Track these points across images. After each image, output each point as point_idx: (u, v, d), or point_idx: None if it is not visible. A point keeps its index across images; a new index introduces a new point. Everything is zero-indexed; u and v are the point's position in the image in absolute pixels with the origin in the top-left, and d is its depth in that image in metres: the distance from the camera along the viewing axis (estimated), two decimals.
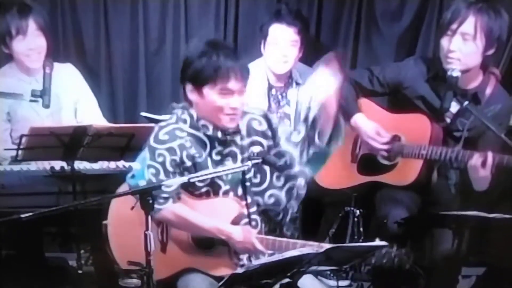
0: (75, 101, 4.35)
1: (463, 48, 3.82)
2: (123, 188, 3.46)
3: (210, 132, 3.31)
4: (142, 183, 3.26)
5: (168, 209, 3.27)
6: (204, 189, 3.33)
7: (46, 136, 3.61)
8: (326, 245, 3.12)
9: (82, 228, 3.87)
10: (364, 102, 4.19)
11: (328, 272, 4.49)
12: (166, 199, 3.25)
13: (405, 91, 4.04)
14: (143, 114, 4.54)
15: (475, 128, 3.92)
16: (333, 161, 3.93)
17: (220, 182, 3.32)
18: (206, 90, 3.23)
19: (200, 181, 3.24)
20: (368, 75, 4.16)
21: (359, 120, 4.10)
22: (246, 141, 3.37)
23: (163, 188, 3.11)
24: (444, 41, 3.87)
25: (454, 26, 3.82)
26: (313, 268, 3.02)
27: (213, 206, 3.32)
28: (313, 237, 4.49)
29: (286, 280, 3.01)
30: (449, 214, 3.61)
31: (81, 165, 3.88)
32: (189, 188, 3.32)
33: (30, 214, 2.74)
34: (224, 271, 3.24)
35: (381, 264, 3.19)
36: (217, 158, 3.32)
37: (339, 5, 5.18)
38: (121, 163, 3.94)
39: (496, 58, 4.01)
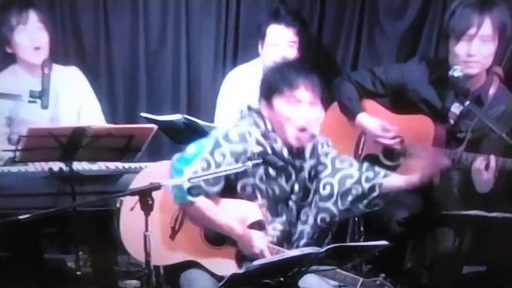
0: (79, 105, 4.34)
1: (483, 50, 3.79)
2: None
3: (277, 147, 3.32)
4: (187, 172, 3.23)
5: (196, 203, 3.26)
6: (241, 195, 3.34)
7: (45, 137, 3.59)
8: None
9: (81, 229, 3.86)
10: (367, 102, 4.17)
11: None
12: (198, 194, 3.24)
13: (408, 93, 4.03)
14: (143, 114, 4.52)
15: (479, 129, 3.89)
16: None
17: (258, 195, 3.33)
18: (275, 100, 3.29)
19: (242, 189, 3.28)
20: (371, 76, 4.15)
21: (363, 119, 4.09)
22: (308, 163, 3.41)
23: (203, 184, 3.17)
24: (461, 47, 3.80)
25: (472, 31, 3.77)
26: (314, 267, 3.01)
27: (235, 205, 3.32)
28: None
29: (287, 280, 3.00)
30: (450, 214, 3.61)
31: (79, 166, 3.86)
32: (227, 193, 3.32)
33: (28, 215, 2.73)
34: (227, 271, 3.21)
35: None
36: (272, 173, 3.34)
37: (341, 4, 5.17)
38: (121, 164, 3.92)
39: (498, 57, 3.97)
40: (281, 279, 2.98)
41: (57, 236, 4.62)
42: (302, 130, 3.29)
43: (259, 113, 3.37)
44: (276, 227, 3.37)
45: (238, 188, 3.32)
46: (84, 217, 3.62)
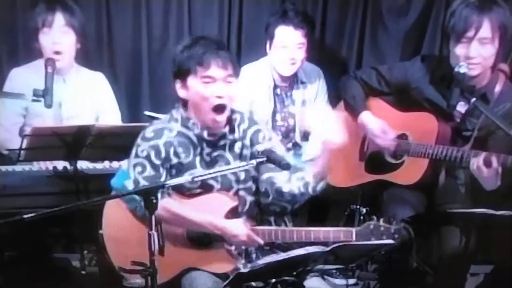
0: (98, 109, 4.34)
1: (482, 52, 3.74)
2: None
3: (198, 131, 3.33)
4: (129, 183, 3.27)
5: (160, 205, 3.24)
6: (197, 190, 3.34)
7: (49, 136, 3.59)
8: (320, 229, 3.18)
9: (86, 228, 3.85)
10: (373, 100, 4.17)
11: (334, 271, 4.47)
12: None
13: (412, 91, 4.01)
14: (147, 113, 4.52)
15: (485, 127, 3.87)
16: (341, 159, 3.93)
17: (213, 183, 3.34)
18: (190, 80, 3.29)
19: (192, 182, 3.22)
20: (376, 74, 4.14)
21: (365, 118, 4.08)
22: (248, 151, 3.41)
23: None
24: (460, 49, 3.76)
25: (470, 33, 3.72)
26: (320, 267, 3.00)
27: (204, 202, 3.32)
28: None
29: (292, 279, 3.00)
30: (456, 212, 3.59)
31: (84, 165, 3.86)
32: (180, 189, 3.33)
33: (33, 214, 2.72)
34: (225, 267, 3.24)
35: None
36: (207, 159, 3.35)
37: (344, 1, 5.17)
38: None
39: (503, 54, 3.94)
40: (287, 278, 2.98)
41: (62, 236, 4.62)
42: (218, 109, 3.29)
43: (177, 107, 3.40)
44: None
45: (193, 185, 3.32)
46: (89, 216, 3.61)
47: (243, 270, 2.94)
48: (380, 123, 4.05)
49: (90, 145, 3.68)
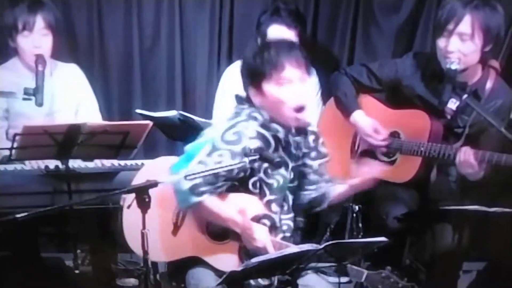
0: (77, 102, 4.32)
1: (462, 48, 3.75)
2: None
3: (281, 135, 3.30)
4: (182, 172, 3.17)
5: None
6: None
7: (40, 134, 3.57)
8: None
9: (79, 227, 3.84)
10: (363, 97, 4.16)
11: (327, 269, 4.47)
12: (203, 192, 3.18)
13: (404, 88, 4.02)
14: (138, 111, 4.51)
15: (477, 124, 3.89)
16: (332, 157, 3.91)
17: (266, 190, 3.32)
18: (265, 85, 3.24)
19: (253, 186, 3.26)
20: (366, 71, 4.14)
21: (358, 117, 4.08)
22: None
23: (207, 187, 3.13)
24: (441, 42, 3.80)
25: (450, 26, 3.75)
26: (313, 264, 3.00)
27: (236, 199, 3.29)
28: (311, 234, 4.48)
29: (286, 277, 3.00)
30: (449, 209, 3.60)
31: (75, 163, 3.84)
32: (235, 189, 3.30)
33: (26, 214, 2.71)
34: (229, 267, 3.19)
35: None
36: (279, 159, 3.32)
37: None
38: (117, 161, 3.91)
39: (495, 50, 3.95)
40: (280, 276, 2.98)
41: (55, 235, 4.61)
42: (300, 109, 3.26)
43: (252, 105, 3.31)
44: (286, 221, 3.37)
45: (250, 186, 3.29)
46: (81, 215, 3.60)
47: (236, 268, 2.93)
48: (372, 122, 4.05)
49: (81, 144, 3.66)
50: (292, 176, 3.37)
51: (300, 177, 3.43)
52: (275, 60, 3.20)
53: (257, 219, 3.28)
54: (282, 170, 3.32)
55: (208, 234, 3.33)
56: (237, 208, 3.25)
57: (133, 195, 2.91)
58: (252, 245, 3.22)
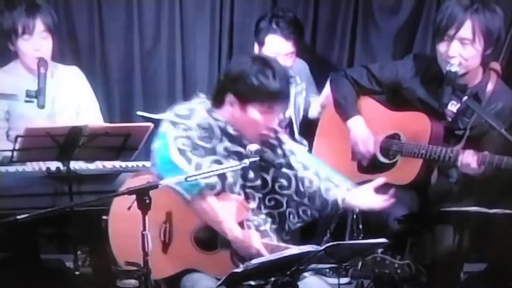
0: (78, 104, 4.33)
1: (463, 52, 3.74)
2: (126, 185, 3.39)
3: (222, 125, 3.30)
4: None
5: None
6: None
7: (42, 136, 3.57)
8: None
9: (79, 229, 3.84)
10: (364, 99, 4.16)
11: (328, 270, 4.47)
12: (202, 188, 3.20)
13: (404, 91, 4.01)
14: (139, 113, 4.52)
15: (477, 126, 3.88)
16: (333, 159, 3.93)
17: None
18: (251, 107, 3.23)
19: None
20: (367, 73, 4.13)
21: (354, 124, 4.08)
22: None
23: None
24: (442, 47, 3.79)
25: (451, 32, 3.73)
26: (313, 266, 3.00)
27: (223, 205, 3.27)
28: (312, 235, 4.48)
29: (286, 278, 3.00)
30: (449, 210, 3.59)
31: (77, 165, 3.85)
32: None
33: (26, 215, 2.71)
34: (226, 272, 3.19)
35: (383, 275, 3.18)
36: (224, 153, 3.29)
37: (335, 1, 5.18)
38: (118, 163, 3.91)
39: (495, 52, 3.95)
40: (281, 277, 2.98)
41: (55, 236, 4.61)
42: (264, 135, 3.31)
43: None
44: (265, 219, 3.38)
45: (237, 188, 3.31)
46: (82, 216, 3.61)
47: (236, 269, 2.93)
48: (365, 136, 4.06)
49: (83, 146, 3.67)
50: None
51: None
52: (275, 87, 3.19)
53: (242, 224, 3.28)
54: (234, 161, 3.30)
55: (197, 246, 3.32)
56: (226, 212, 3.26)
57: (133, 197, 2.91)
58: (247, 252, 3.21)
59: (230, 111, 3.28)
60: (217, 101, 3.32)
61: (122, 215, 3.29)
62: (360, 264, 3.22)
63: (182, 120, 3.25)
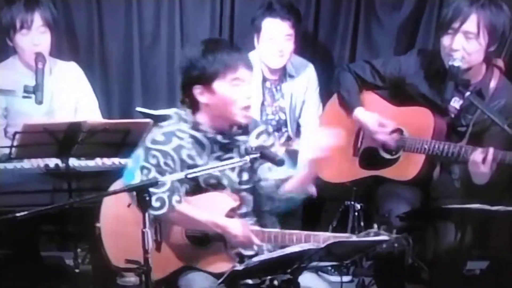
0: (76, 100, 4.32)
1: (466, 46, 3.73)
2: (116, 185, 3.39)
3: (210, 135, 3.29)
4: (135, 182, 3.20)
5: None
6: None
7: (40, 133, 3.56)
8: (320, 234, 3.18)
9: (79, 226, 3.84)
10: (366, 94, 4.14)
11: (329, 268, 4.47)
12: (163, 203, 3.19)
13: (407, 86, 3.99)
14: (138, 109, 4.51)
15: (480, 122, 3.86)
16: (334, 155, 3.89)
17: (225, 182, 3.32)
18: (217, 84, 3.21)
19: (206, 184, 3.26)
20: (370, 68, 4.12)
21: (360, 114, 4.06)
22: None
23: (156, 192, 3.12)
24: (446, 40, 3.78)
25: (456, 24, 3.73)
26: (314, 264, 2.98)
27: (206, 200, 3.29)
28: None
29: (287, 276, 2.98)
30: (451, 208, 3.57)
31: (76, 162, 3.83)
32: (193, 190, 3.30)
33: (26, 212, 2.69)
34: (223, 267, 3.21)
35: (381, 252, 3.15)
36: (218, 161, 3.29)
37: None
38: (117, 160, 3.89)
39: (498, 49, 3.93)
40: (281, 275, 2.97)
41: (55, 234, 4.61)
42: (247, 108, 3.27)
43: (185, 110, 3.33)
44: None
45: (202, 183, 3.29)
46: (81, 214, 3.59)
47: (237, 267, 2.91)
48: (376, 117, 4.02)
49: (81, 142, 3.66)
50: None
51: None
52: (229, 60, 3.20)
53: (231, 213, 3.28)
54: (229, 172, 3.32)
55: (190, 242, 3.31)
56: (210, 208, 3.26)
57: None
58: (237, 242, 3.23)
59: (205, 102, 3.26)
60: (189, 102, 3.30)
61: (113, 216, 3.30)
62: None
63: (156, 146, 3.24)
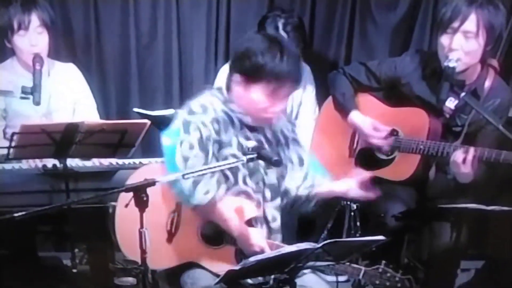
0: (74, 101, 4.32)
1: (465, 45, 3.74)
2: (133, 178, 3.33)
3: (239, 115, 3.23)
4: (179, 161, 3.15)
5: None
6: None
7: (38, 133, 3.56)
8: None
9: (77, 226, 3.83)
10: (361, 96, 4.16)
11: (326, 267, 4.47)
12: (210, 190, 3.16)
13: (403, 87, 4.01)
14: (136, 110, 4.50)
15: (475, 122, 3.88)
16: (330, 156, 3.92)
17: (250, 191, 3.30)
18: (257, 88, 3.13)
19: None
20: (365, 70, 4.12)
21: (355, 117, 4.06)
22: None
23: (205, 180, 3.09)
24: (444, 39, 3.79)
25: (455, 24, 3.74)
26: (311, 263, 2.99)
27: (231, 202, 3.26)
28: (309, 232, 4.48)
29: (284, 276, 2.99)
30: (447, 207, 3.59)
31: (73, 162, 3.83)
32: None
33: (24, 213, 2.70)
34: (227, 269, 3.20)
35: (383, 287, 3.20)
36: (243, 141, 3.22)
37: None
38: (115, 160, 3.90)
39: (493, 49, 3.95)
40: (278, 275, 2.97)
41: (52, 234, 4.60)
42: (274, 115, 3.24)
43: (218, 88, 3.29)
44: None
45: (241, 183, 3.27)
46: (79, 214, 3.59)
47: (234, 267, 2.92)
48: (371, 121, 4.04)
49: (79, 143, 3.66)
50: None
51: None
52: (283, 69, 3.09)
53: (251, 222, 3.26)
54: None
55: (203, 240, 3.31)
56: (234, 210, 3.24)
57: (130, 194, 2.90)
58: (250, 249, 3.19)
59: (236, 92, 3.20)
60: (228, 84, 3.24)
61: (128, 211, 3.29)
62: (362, 273, 3.21)
63: (195, 117, 3.17)
